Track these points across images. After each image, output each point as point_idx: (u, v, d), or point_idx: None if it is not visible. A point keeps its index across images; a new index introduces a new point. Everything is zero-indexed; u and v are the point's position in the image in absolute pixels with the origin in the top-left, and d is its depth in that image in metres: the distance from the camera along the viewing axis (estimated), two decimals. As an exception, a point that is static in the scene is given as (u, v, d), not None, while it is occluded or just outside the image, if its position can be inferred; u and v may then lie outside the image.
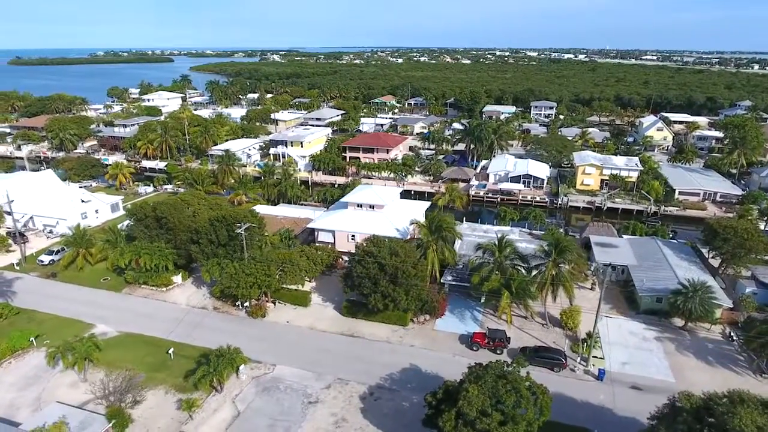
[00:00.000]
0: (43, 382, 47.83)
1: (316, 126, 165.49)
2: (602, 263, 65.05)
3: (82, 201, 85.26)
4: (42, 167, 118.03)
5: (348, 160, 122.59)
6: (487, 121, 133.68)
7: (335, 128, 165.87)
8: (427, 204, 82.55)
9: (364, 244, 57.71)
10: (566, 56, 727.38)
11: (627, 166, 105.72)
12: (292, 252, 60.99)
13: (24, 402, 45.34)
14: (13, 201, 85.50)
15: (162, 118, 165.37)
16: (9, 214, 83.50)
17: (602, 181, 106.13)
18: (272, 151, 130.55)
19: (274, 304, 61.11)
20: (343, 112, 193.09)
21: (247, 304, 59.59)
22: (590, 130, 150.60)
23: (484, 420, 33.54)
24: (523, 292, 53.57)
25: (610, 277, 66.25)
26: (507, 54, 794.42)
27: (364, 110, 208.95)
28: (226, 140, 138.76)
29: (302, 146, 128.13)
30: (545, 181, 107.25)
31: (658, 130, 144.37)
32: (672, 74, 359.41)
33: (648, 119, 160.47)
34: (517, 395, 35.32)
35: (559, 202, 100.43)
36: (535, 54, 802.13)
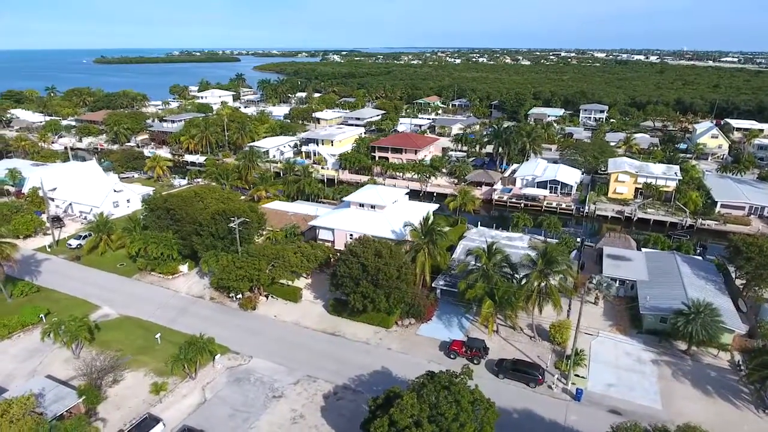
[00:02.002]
0: (41, 357, 51.71)
1: (356, 125, 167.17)
2: (608, 277, 61.57)
3: (115, 191, 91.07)
4: (93, 158, 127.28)
5: (377, 159, 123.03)
6: (519, 124, 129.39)
7: (373, 128, 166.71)
8: (435, 206, 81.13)
9: (352, 244, 57.77)
10: (636, 57, 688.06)
11: (665, 175, 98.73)
12: (285, 248, 62.03)
13: (20, 373, 49.25)
14: (55, 188, 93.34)
15: (211, 114, 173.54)
16: (52, 200, 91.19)
17: (637, 189, 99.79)
18: (304, 148, 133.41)
19: (267, 297, 62.52)
20: (383, 111, 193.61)
21: (239, 296, 61.37)
22: (636, 135, 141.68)
23: (416, 430, 32.66)
24: (506, 301, 51.45)
25: (616, 292, 62.66)
26: (571, 55, 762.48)
27: (407, 110, 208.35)
28: (264, 137, 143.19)
29: (332, 145, 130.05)
30: (574, 188, 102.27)
31: (712, 137, 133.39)
32: (749, 77, 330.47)
33: (702, 125, 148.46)
34: (458, 408, 34.16)
35: (586, 210, 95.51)
36: (602, 55, 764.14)
